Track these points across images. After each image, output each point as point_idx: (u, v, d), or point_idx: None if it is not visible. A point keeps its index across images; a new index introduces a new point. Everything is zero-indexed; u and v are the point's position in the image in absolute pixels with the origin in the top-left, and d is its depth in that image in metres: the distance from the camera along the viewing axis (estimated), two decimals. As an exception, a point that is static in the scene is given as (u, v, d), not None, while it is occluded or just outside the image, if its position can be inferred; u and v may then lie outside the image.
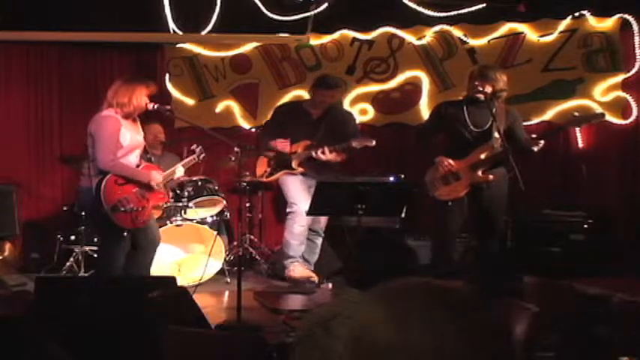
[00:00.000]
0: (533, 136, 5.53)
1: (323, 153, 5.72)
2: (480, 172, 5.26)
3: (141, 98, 4.87)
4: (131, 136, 4.88)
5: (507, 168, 5.11)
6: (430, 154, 5.50)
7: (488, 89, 5.18)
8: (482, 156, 5.25)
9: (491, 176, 5.24)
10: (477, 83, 5.20)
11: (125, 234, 4.87)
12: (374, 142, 5.67)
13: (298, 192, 5.88)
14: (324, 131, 5.86)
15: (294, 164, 5.85)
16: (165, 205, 5.62)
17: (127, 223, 4.84)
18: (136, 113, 4.92)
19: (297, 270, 5.87)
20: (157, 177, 4.98)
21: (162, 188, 5.12)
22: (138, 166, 4.99)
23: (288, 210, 5.97)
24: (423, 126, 5.86)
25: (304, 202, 5.63)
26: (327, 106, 5.92)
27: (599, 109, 6.96)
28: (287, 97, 7.17)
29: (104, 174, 4.78)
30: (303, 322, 2.19)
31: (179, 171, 5.24)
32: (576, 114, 5.47)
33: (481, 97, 5.19)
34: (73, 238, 6.35)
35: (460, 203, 5.33)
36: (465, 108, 5.33)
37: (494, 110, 5.18)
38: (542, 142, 5.25)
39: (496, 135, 5.18)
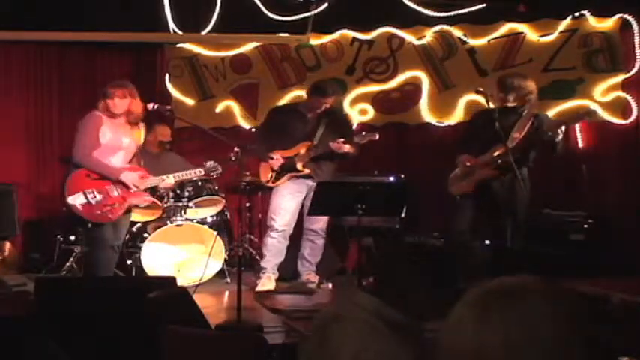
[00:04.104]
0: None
1: (345, 143, 5.74)
2: (488, 170, 5.32)
3: (104, 105, 4.92)
4: (113, 136, 4.91)
5: (515, 168, 5.12)
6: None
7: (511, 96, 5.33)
8: (495, 154, 5.31)
9: (496, 173, 5.29)
10: (500, 94, 5.37)
11: (89, 226, 4.90)
12: (377, 136, 5.79)
13: (280, 207, 5.88)
14: (324, 131, 5.86)
15: (298, 166, 5.84)
16: (144, 206, 5.54)
17: (91, 217, 4.87)
18: (114, 116, 4.94)
19: (265, 284, 5.84)
20: (129, 176, 4.97)
21: (141, 189, 5.10)
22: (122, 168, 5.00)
23: (267, 223, 6.00)
24: (464, 139, 5.83)
25: (280, 218, 5.84)
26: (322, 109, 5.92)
27: (598, 110, 6.98)
28: (287, 97, 7.16)
29: (76, 168, 4.89)
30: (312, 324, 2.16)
31: (168, 180, 5.26)
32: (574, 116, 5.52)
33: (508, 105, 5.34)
34: (73, 238, 6.35)
35: (470, 199, 5.40)
36: (496, 113, 5.40)
37: (524, 114, 5.33)
38: (562, 127, 5.24)
39: (515, 135, 5.23)
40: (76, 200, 4.83)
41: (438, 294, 1.79)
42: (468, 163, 5.41)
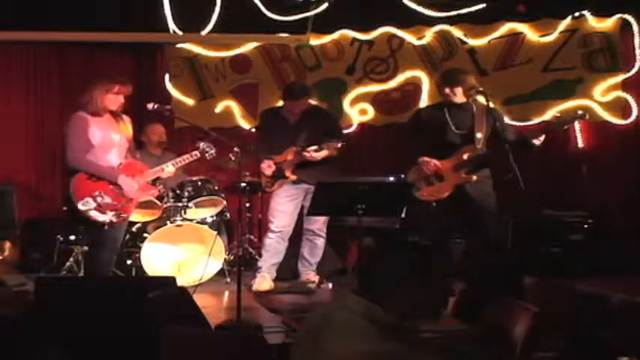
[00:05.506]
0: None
1: (316, 151, 5.65)
2: (463, 174, 5.25)
3: (102, 98, 4.85)
4: (103, 134, 4.88)
5: (507, 168, 5.07)
6: (414, 153, 5.47)
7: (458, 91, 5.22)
8: (465, 157, 5.24)
9: (474, 177, 5.23)
10: (446, 90, 5.25)
11: (105, 228, 4.85)
12: (339, 144, 5.65)
13: (276, 209, 5.89)
14: (306, 135, 5.78)
15: (287, 173, 5.82)
16: (145, 201, 5.51)
17: (105, 219, 4.84)
18: (101, 112, 4.88)
19: (261, 284, 5.84)
20: (124, 180, 4.89)
21: (146, 184, 5.08)
22: (120, 164, 4.97)
23: (267, 224, 6.02)
24: (407, 134, 5.80)
25: (278, 220, 5.86)
26: (301, 111, 5.86)
27: (598, 109, 6.99)
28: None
29: (75, 172, 4.82)
30: (302, 325, 2.16)
31: (168, 169, 5.22)
32: (557, 114, 5.44)
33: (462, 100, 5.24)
34: (73, 238, 6.34)
35: (444, 204, 5.32)
36: (446, 110, 5.32)
37: (474, 111, 5.23)
38: (543, 135, 5.12)
39: (478, 136, 5.18)
40: (87, 205, 4.75)
41: (427, 293, 1.77)
42: (439, 166, 5.26)
